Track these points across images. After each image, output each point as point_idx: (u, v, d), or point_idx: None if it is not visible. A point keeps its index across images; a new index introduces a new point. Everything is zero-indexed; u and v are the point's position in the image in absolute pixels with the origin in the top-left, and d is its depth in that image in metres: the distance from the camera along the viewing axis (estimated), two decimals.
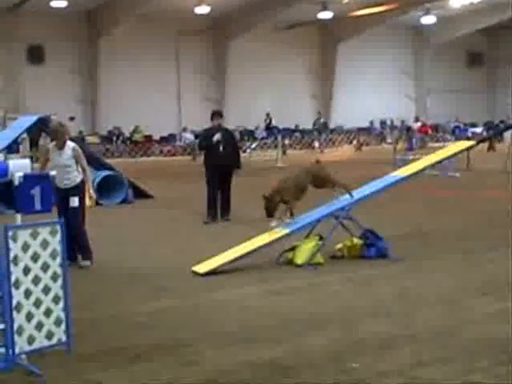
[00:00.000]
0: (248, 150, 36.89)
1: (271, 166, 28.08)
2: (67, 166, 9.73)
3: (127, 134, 38.91)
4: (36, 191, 5.86)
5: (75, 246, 9.65)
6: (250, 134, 41.75)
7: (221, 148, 13.47)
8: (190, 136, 38.70)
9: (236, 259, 9.19)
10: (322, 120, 44.43)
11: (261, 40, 41.92)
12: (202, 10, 37.53)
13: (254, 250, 9.33)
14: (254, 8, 39.74)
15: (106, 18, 38.89)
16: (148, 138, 39.10)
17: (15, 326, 5.58)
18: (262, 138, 41.12)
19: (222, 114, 14.42)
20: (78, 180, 9.78)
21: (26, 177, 5.89)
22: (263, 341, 6.32)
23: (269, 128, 42.84)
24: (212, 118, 13.88)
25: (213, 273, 8.91)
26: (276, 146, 34.33)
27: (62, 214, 9.47)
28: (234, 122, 37.29)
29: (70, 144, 9.87)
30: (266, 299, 7.79)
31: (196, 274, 8.98)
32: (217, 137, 13.48)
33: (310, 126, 44.13)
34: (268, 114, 43.43)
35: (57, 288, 5.79)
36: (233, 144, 13.99)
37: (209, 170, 13.62)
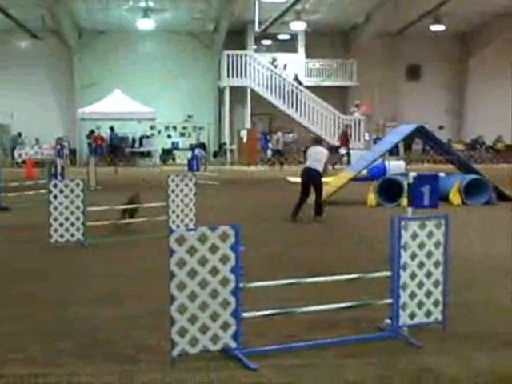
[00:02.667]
0: None
1: None
2: None
3: (488, 143, 37.71)
4: (425, 189, 5.85)
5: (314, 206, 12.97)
6: None
7: None
8: None
9: None
10: None
11: None
12: None
13: None
14: None
15: (477, 39, 38.03)
16: (509, 147, 37.43)
17: (400, 302, 5.65)
18: None
19: None
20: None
21: (417, 177, 5.90)
22: None
23: None
24: None
25: None
26: None
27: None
28: None
29: None
30: None
31: None
32: None
33: None
34: None
35: (438, 274, 5.74)
36: None
37: None
